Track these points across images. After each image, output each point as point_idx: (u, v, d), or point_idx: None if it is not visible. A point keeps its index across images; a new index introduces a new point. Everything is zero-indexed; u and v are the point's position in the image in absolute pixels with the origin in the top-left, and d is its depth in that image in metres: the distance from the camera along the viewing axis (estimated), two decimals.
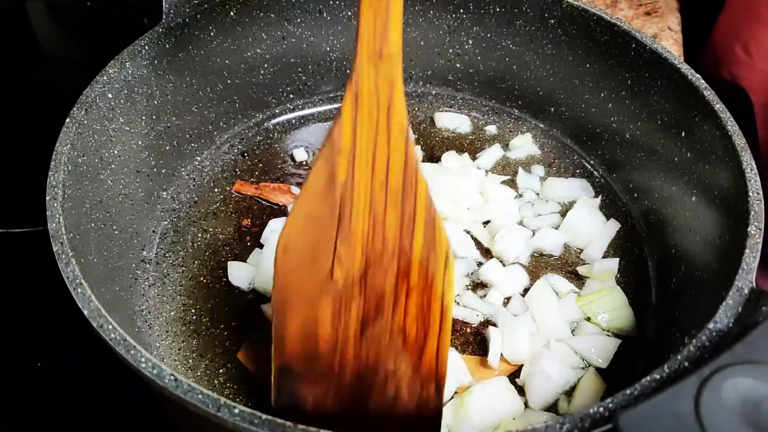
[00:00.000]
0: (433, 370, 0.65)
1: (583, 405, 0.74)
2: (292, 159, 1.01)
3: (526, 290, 0.85)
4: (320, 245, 0.60)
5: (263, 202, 0.95)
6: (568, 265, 0.88)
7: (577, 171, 1.00)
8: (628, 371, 0.78)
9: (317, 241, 0.60)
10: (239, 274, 0.86)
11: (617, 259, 0.88)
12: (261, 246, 0.89)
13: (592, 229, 0.91)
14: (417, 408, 0.66)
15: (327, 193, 0.59)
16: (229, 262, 0.87)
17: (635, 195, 0.94)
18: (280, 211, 0.94)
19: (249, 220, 0.93)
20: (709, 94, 0.80)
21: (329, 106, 1.08)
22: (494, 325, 0.81)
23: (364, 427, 0.66)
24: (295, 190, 0.96)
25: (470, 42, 1.04)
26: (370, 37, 0.57)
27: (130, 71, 0.84)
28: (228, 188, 0.97)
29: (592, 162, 1.00)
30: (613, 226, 0.92)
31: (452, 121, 1.06)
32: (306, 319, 0.63)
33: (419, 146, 1.03)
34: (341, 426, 0.54)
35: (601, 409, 0.54)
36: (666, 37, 1.20)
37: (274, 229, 0.90)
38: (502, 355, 0.78)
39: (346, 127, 0.58)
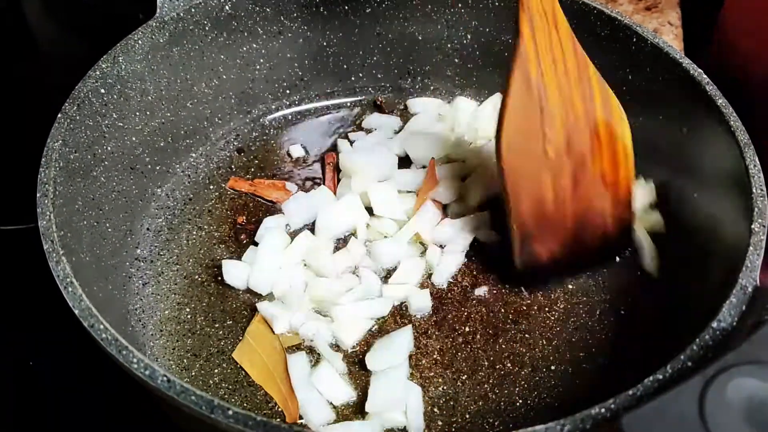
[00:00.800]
0: (627, 198, 0.83)
1: None
2: (289, 155, 1.00)
3: None
4: (531, 132, 0.77)
5: (259, 199, 0.94)
6: None
7: None
8: (629, 370, 0.77)
9: (529, 130, 0.77)
10: (234, 272, 0.84)
11: None
12: (256, 244, 0.88)
13: None
14: (619, 230, 0.84)
15: (527, 92, 0.76)
16: (223, 261, 0.85)
17: (636, 192, 0.93)
18: (276, 209, 0.93)
19: (244, 218, 0.91)
20: (712, 89, 0.79)
21: (326, 102, 1.07)
22: None
23: (585, 257, 0.85)
24: (291, 186, 0.95)
25: (469, 37, 1.03)
26: None
27: (123, 66, 0.83)
28: (223, 185, 0.96)
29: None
30: None
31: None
32: (534, 194, 0.79)
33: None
34: (572, 268, 0.85)
35: (603, 410, 0.54)
36: (666, 32, 1.19)
37: (269, 226, 0.89)
38: None
39: (528, 40, 0.75)
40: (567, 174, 0.79)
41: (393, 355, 0.76)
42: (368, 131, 1.03)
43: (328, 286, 0.82)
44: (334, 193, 0.93)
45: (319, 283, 0.82)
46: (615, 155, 0.80)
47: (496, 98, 1.03)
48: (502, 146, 0.77)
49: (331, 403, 0.75)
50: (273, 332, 0.79)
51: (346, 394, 0.76)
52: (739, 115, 0.76)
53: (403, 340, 0.78)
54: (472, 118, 1.02)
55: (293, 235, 0.88)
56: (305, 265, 0.85)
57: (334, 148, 1.01)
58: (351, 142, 1.01)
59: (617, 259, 0.87)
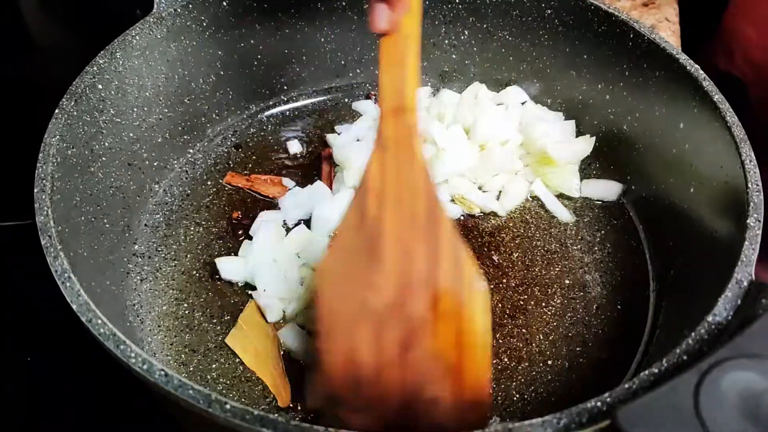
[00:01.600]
0: (475, 397, 0.65)
1: None
2: (286, 151, 1.00)
3: None
4: (357, 276, 0.65)
5: (256, 195, 0.94)
6: None
7: None
8: (625, 365, 0.78)
9: (354, 272, 0.65)
10: (230, 268, 0.85)
11: None
12: (251, 238, 0.88)
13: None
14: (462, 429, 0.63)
15: (359, 228, 0.66)
16: (216, 260, 0.85)
17: (632, 187, 0.93)
18: (273, 204, 0.93)
19: (240, 212, 0.92)
20: (708, 84, 0.79)
21: (323, 98, 1.07)
22: None
23: None
24: (287, 182, 0.95)
25: (466, 32, 1.03)
26: (391, 96, 0.68)
27: (120, 62, 0.83)
28: (221, 181, 0.96)
29: (588, 153, 0.99)
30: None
31: None
32: (349, 346, 0.65)
33: None
34: None
35: (599, 403, 0.54)
36: (664, 28, 1.19)
37: (265, 219, 0.89)
38: None
39: (374, 169, 0.66)
40: (393, 338, 0.64)
41: None
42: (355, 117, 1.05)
43: None
44: (330, 188, 0.93)
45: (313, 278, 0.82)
46: (460, 336, 0.64)
47: (475, 87, 1.04)
48: (321, 282, 0.66)
49: None
50: (266, 320, 0.80)
51: None
52: (737, 112, 0.76)
53: None
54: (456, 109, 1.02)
55: (289, 230, 0.88)
56: (299, 257, 0.85)
57: None
58: (337, 133, 1.02)
59: None
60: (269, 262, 0.84)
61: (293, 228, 0.88)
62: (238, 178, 0.96)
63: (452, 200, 0.93)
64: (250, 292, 0.83)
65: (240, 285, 0.85)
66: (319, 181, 0.94)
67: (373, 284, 0.64)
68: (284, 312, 0.81)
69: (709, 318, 0.59)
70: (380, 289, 0.64)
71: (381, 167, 0.66)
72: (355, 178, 0.92)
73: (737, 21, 1.22)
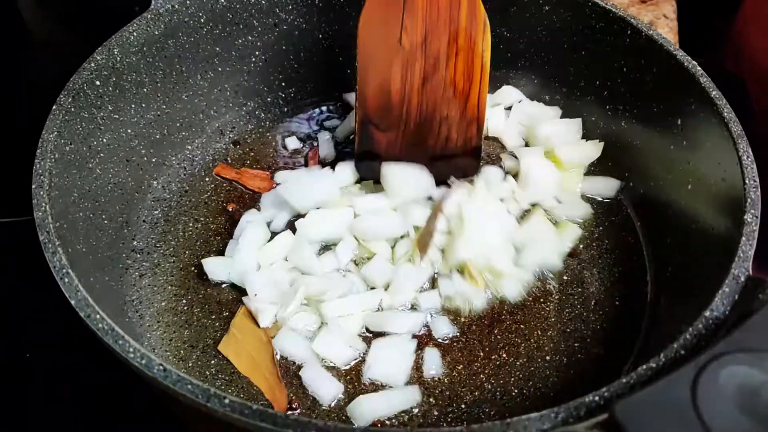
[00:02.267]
0: (475, 115, 0.87)
1: None
2: (285, 148, 1.00)
3: None
4: (390, 19, 0.80)
5: (254, 191, 0.94)
6: None
7: None
8: (623, 359, 0.78)
9: (388, 16, 0.80)
10: (215, 268, 0.84)
11: None
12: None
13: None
14: (463, 145, 0.89)
15: None
16: (203, 260, 0.85)
17: (630, 183, 0.94)
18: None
19: (235, 204, 0.92)
20: (706, 81, 0.79)
21: (321, 94, 1.07)
22: None
23: (424, 163, 0.88)
24: (279, 175, 0.95)
25: None
26: None
27: (118, 58, 0.83)
28: (219, 177, 0.96)
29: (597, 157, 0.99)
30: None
31: None
32: (381, 78, 0.83)
33: None
34: (406, 162, 0.87)
35: (597, 397, 0.54)
36: (662, 24, 1.19)
37: (250, 220, 0.88)
38: None
39: None
40: (418, 69, 0.83)
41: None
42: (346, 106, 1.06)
43: (321, 284, 0.81)
44: None
45: (312, 281, 0.82)
46: (470, 67, 0.83)
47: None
48: (360, 25, 0.81)
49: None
50: (258, 324, 0.80)
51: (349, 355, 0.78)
52: (737, 111, 0.76)
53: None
54: None
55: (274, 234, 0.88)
56: (287, 261, 0.85)
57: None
58: (326, 128, 1.03)
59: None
60: (257, 266, 0.83)
61: (279, 233, 0.87)
62: (228, 170, 0.96)
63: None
64: (242, 297, 0.83)
65: (227, 285, 0.84)
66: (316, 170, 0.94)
67: (405, 26, 0.80)
68: (276, 316, 0.80)
69: (707, 313, 0.60)
70: (411, 30, 0.80)
71: None
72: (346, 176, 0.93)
73: (746, 25, 1.22)
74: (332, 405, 0.74)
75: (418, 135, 0.87)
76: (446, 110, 0.86)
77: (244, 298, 0.82)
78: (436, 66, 0.83)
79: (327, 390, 0.75)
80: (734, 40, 1.24)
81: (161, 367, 0.55)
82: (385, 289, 0.83)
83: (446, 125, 0.87)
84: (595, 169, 0.97)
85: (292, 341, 0.79)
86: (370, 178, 0.91)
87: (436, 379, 0.77)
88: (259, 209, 0.91)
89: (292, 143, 1.00)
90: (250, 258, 0.84)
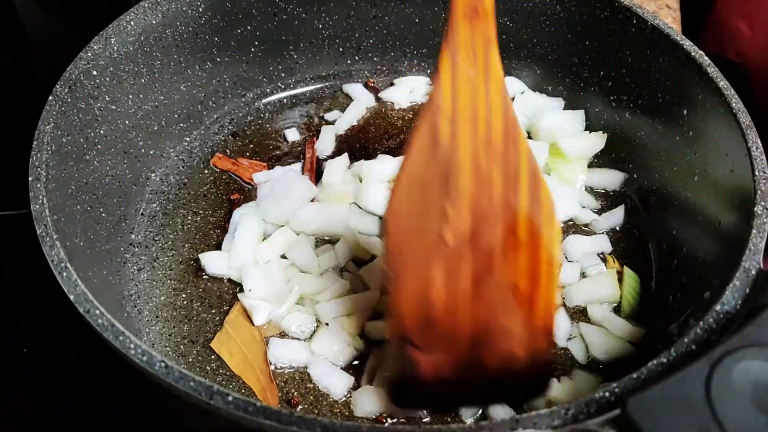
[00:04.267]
0: (543, 325, 0.65)
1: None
2: (284, 139, 0.99)
3: None
4: (429, 208, 0.61)
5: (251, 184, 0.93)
6: None
7: None
8: (629, 355, 0.77)
9: (425, 205, 0.61)
10: (215, 262, 0.83)
11: None
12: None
13: None
14: (530, 364, 0.66)
15: (432, 156, 0.60)
16: (200, 255, 0.83)
17: (635, 176, 0.93)
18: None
19: (238, 195, 0.91)
20: (713, 71, 0.78)
21: (321, 84, 1.05)
22: None
23: (483, 390, 0.67)
24: (258, 176, 0.93)
25: None
26: None
27: (115, 48, 0.82)
28: (218, 170, 0.94)
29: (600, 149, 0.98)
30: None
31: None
32: (420, 284, 0.62)
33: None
34: (462, 392, 0.64)
35: (608, 393, 0.53)
36: (665, 15, 1.18)
37: (244, 213, 0.87)
38: None
39: (446, 87, 0.59)
40: (467, 272, 0.62)
41: None
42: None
43: (317, 284, 0.80)
44: (313, 179, 0.92)
45: (307, 280, 0.81)
46: (535, 264, 0.63)
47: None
48: (389, 218, 0.62)
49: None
50: (252, 322, 0.78)
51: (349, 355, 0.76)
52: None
53: None
54: None
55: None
56: (285, 258, 0.84)
57: None
58: (326, 121, 1.01)
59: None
60: (254, 262, 0.82)
61: (277, 229, 0.86)
62: (224, 160, 0.94)
63: None
64: (237, 293, 0.81)
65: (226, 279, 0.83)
66: (293, 171, 0.92)
67: (447, 215, 0.61)
68: (270, 314, 0.79)
69: (717, 307, 0.59)
70: (455, 221, 0.61)
71: (452, 85, 0.59)
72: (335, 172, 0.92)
73: (728, 15, 1.21)
74: (342, 399, 0.74)
75: (473, 355, 0.65)
76: (506, 321, 0.64)
77: (239, 295, 0.81)
78: (490, 266, 0.62)
79: (338, 383, 0.74)
80: (715, 30, 1.23)
81: (163, 364, 0.54)
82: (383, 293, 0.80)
83: (507, 340, 0.64)
84: (598, 161, 0.96)
85: (288, 348, 0.77)
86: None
87: None
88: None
89: (292, 135, 0.99)
90: (246, 252, 0.82)
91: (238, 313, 0.80)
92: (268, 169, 0.94)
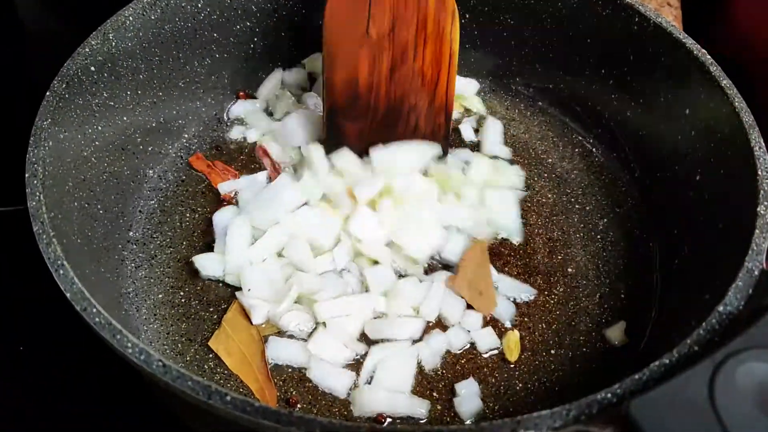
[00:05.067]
0: (443, 103, 0.86)
1: None
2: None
3: None
4: (357, 8, 0.79)
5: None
6: None
7: (577, 150, 0.98)
8: (629, 355, 0.77)
9: (355, 6, 0.78)
10: (209, 264, 0.82)
11: None
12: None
13: None
14: (431, 135, 0.89)
15: None
16: (194, 257, 0.82)
17: (636, 174, 0.92)
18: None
19: (232, 195, 0.90)
20: (716, 69, 0.77)
21: (321, 80, 1.04)
22: None
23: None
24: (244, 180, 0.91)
25: (467, 16, 1.00)
26: None
27: (113, 43, 0.81)
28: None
29: (592, 140, 0.98)
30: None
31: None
32: (349, 68, 0.82)
33: None
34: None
35: (609, 394, 0.52)
36: (665, 13, 1.17)
37: (230, 218, 0.85)
38: None
39: None
40: (385, 59, 0.81)
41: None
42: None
43: (315, 283, 0.80)
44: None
45: (305, 279, 0.80)
46: (439, 55, 0.82)
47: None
48: (326, 15, 0.79)
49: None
50: (250, 321, 0.78)
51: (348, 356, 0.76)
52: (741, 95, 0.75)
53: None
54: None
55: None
56: (282, 256, 0.83)
57: None
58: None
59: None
60: (249, 262, 0.81)
61: (269, 228, 0.84)
62: (201, 162, 0.94)
63: None
64: (236, 292, 0.81)
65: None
66: (258, 181, 0.91)
67: (372, 16, 0.79)
68: (269, 313, 0.78)
69: (720, 308, 0.58)
70: (378, 19, 0.79)
71: None
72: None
73: (730, 12, 1.21)
74: (345, 396, 0.74)
75: (387, 125, 0.86)
76: (414, 99, 0.85)
77: (237, 293, 0.80)
78: (404, 55, 0.81)
79: (340, 382, 0.74)
80: (724, 26, 1.22)
81: (160, 363, 0.54)
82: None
83: (414, 114, 0.86)
84: (599, 158, 0.96)
85: (286, 347, 0.76)
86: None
87: (439, 373, 0.75)
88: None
89: None
90: (239, 255, 0.81)
91: (237, 312, 0.79)
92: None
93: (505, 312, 0.80)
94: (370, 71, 0.82)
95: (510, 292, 0.82)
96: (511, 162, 0.96)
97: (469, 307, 0.80)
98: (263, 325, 0.78)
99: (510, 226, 0.88)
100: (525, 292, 0.82)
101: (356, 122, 0.86)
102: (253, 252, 0.82)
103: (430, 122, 0.87)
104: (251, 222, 0.84)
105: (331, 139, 0.88)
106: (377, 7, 0.78)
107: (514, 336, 0.78)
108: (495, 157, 0.95)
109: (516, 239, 0.87)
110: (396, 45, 0.80)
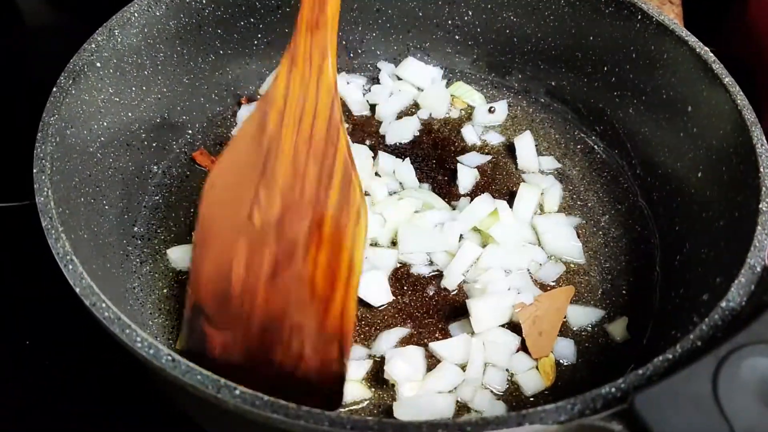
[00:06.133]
0: (337, 330, 0.66)
1: None
2: None
3: None
4: (243, 187, 0.66)
5: None
6: None
7: (578, 146, 0.98)
8: (631, 351, 0.77)
9: (241, 183, 0.66)
10: (184, 256, 0.82)
11: None
12: None
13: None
14: (320, 369, 0.67)
15: (256, 141, 0.65)
16: (168, 250, 0.83)
17: (638, 171, 0.93)
18: None
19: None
20: (718, 67, 0.78)
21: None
22: None
23: (268, 383, 0.60)
24: None
25: (470, 13, 1.01)
26: (309, 8, 0.64)
27: (119, 39, 0.81)
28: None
29: (593, 137, 0.99)
30: None
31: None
32: (222, 258, 0.66)
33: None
34: (245, 380, 0.54)
35: (614, 389, 0.53)
36: (667, 11, 1.18)
37: None
38: None
39: (280, 84, 0.65)
40: (269, 256, 0.66)
41: None
42: None
43: None
44: None
45: None
46: (336, 264, 0.65)
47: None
48: (206, 187, 0.67)
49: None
50: None
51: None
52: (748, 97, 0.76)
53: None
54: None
55: None
56: None
57: None
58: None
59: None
60: None
61: None
62: (205, 157, 0.94)
63: None
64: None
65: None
66: None
67: (259, 199, 0.65)
68: None
69: (723, 304, 0.59)
70: (265, 205, 0.65)
71: (287, 83, 0.65)
72: None
73: (733, 10, 1.21)
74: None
75: (262, 345, 0.67)
76: (299, 317, 0.66)
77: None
78: (292, 256, 0.65)
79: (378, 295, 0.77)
80: (736, 24, 1.22)
81: (170, 357, 0.54)
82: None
83: (299, 338, 0.66)
84: (600, 155, 0.97)
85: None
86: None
87: None
88: None
89: None
90: None
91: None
92: None
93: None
94: (247, 267, 0.66)
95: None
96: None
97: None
98: None
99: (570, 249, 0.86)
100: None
101: (224, 332, 0.68)
102: None
103: (319, 353, 0.67)
104: None
105: (191, 346, 0.70)
106: (266, 189, 0.65)
107: (550, 360, 0.75)
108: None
109: (579, 261, 0.85)
110: (283, 241, 0.65)
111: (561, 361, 0.76)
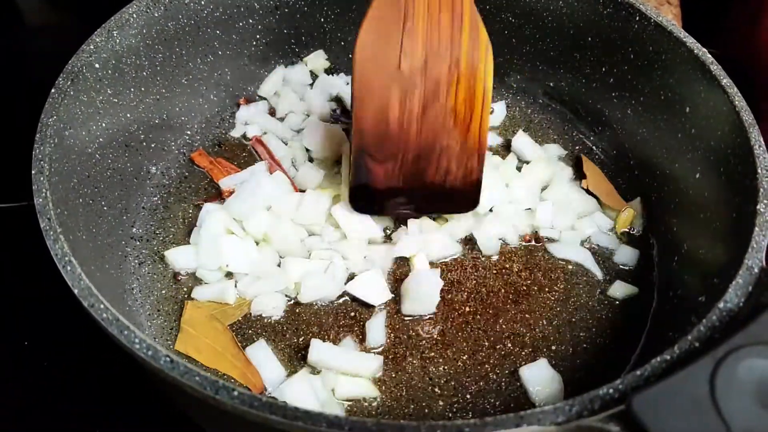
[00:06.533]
0: (475, 146, 0.81)
1: None
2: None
3: None
4: (389, 42, 0.75)
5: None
6: None
7: (576, 147, 0.98)
8: (629, 351, 0.77)
9: (387, 39, 0.75)
10: (181, 257, 0.83)
11: None
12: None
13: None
14: (463, 178, 0.82)
15: (393, 1, 0.74)
16: (166, 252, 0.83)
17: (636, 173, 0.93)
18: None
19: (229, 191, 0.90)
20: (716, 68, 0.78)
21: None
22: None
23: (423, 199, 0.84)
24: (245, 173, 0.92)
25: None
26: None
27: (117, 40, 0.81)
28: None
29: (591, 138, 0.99)
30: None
31: None
32: (379, 106, 0.77)
33: None
34: (406, 199, 0.83)
35: (611, 390, 0.53)
36: (665, 11, 1.18)
37: (209, 210, 0.86)
38: None
39: None
40: (417, 96, 0.77)
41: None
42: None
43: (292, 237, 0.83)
44: (281, 169, 0.92)
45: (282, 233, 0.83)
46: (471, 95, 0.78)
47: None
48: (357, 48, 0.75)
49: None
50: (208, 316, 0.78)
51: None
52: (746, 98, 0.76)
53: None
54: None
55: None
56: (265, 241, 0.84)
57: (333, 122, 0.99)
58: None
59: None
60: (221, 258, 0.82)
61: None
62: (203, 158, 0.94)
63: None
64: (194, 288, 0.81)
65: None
66: (259, 171, 0.91)
67: (405, 49, 0.75)
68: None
69: (720, 305, 0.59)
70: (411, 54, 0.75)
71: None
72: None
73: (731, 11, 1.21)
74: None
75: (417, 167, 0.81)
76: (446, 140, 0.79)
77: (195, 288, 0.81)
78: (437, 93, 0.77)
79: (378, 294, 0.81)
80: (734, 28, 1.22)
81: (168, 359, 0.54)
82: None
83: (446, 157, 0.80)
84: (600, 155, 0.97)
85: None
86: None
87: (441, 369, 0.76)
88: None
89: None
90: (212, 245, 0.82)
91: (193, 311, 0.79)
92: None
93: None
94: (401, 109, 0.77)
95: None
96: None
97: None
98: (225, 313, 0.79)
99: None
100: None
101: (385, 164, 0.80)
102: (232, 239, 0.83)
103: (462, 166, 0.81)
104: (230, 213, 0.85)
105: (359, 182, 0.82)
106: (410, 40, 0.74)
107: (629, 213, 0.89)
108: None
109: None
110: (428, 81, 0.76)
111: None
